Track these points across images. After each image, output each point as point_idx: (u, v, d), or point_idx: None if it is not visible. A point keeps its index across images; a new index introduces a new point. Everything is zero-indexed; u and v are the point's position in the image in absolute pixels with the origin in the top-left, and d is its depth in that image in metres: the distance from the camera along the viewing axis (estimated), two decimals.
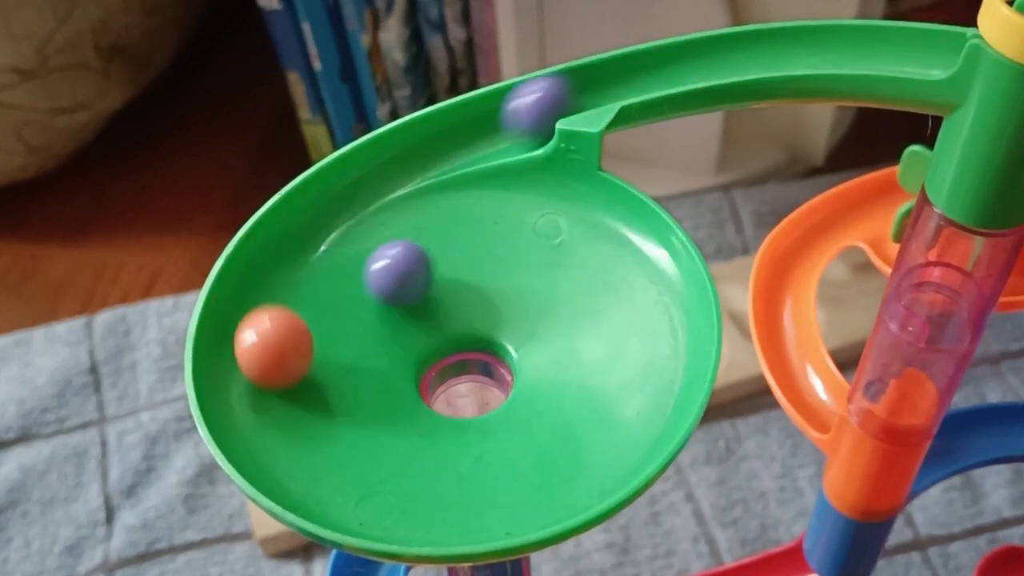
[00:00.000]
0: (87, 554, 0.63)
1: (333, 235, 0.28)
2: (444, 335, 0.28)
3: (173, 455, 0.67)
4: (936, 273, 0.30)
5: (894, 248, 0.38)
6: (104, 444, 0.68)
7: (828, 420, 0.39)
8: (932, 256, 0.30)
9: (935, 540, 0.62)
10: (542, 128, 0.28)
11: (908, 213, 0.35)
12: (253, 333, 0.25)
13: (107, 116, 0.85)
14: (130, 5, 0.80)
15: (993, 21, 0.24)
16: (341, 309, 0.27)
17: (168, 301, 0.76)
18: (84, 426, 0.69)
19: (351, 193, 0.29)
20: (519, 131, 0.29)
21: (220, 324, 0.26)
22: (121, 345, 0.73)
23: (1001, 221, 0.28)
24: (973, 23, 0.26)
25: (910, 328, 0.32)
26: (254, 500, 0.23)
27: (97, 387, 0.71)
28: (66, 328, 0.74)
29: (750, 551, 0.61)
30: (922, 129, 0.30)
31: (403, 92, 0.81)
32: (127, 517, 0.65)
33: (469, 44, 0.80)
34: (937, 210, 0.28)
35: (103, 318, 0.75)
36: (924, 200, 0.29)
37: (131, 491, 0.66)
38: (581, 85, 0.29)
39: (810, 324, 0.40)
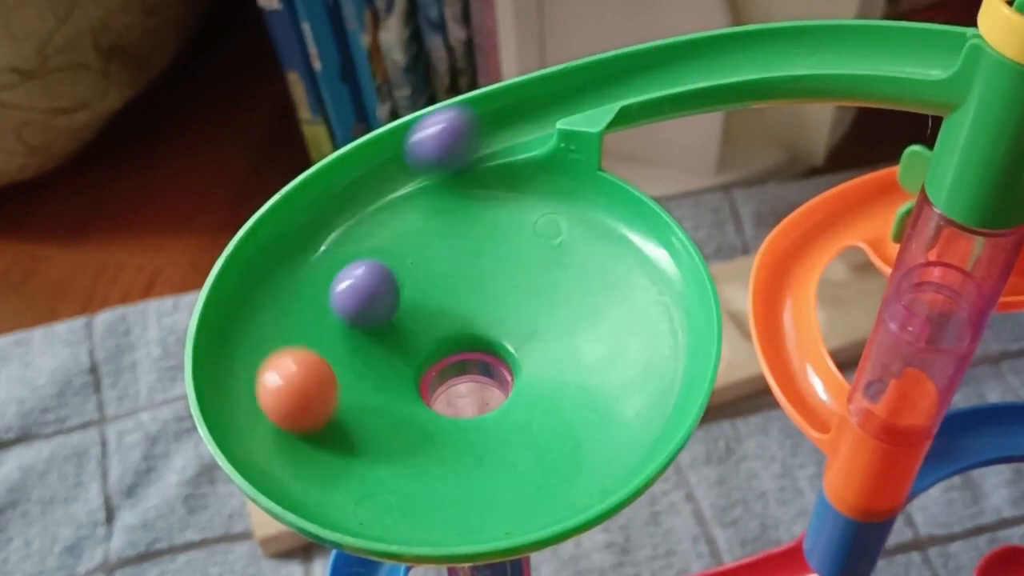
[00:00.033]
0: (87, 554, 0.63)
1: (333, 235, 0.28)
2: (444, 335, 0.28)
3: (173, 455, 0.67)
4: (936, 273, 0.30)
5: (894, 248, 0.38)
6: (104, 444, 0.68)
7: (828, 420, 0.39)
8: (932, 256, 0.30)
9: (935, 540, 0.62)
10: (446, 160, 0.28)
11: (908, 213, 0.35)
12: (278, 377, 0.24)
13: (107, 116, 0.85)
14: (130, 5, 0.80)
15: (993, 21, 0.24)
16: None
17: (168, 301, 0.76)
18: (84, 426, 0.69)
19: (351, 193, 0.29)
20: (422, 164, 0.28)
21: (220, 324, 0.26)
22: (121, 345, 0.73)
23: (1001, 221, 0.28)
24: (973, 23, 0.26)
25: (910, 328, 0.32)
26: (254, 500, 0.23)
27: (97, 387, 0.71)
28: (66, 328, 0.74)
29: (750, 551, 0.61)
30: (922, 129, 0.30)
31: (403, 92, 0.81)
32: (127, 517, 0.65)
33: (469, 44, 0.80)
34: (937, 210, 0.28)
35: (103, 318, 0.75)
36: (924, 200, 0.29)
37: (131, 491, 0.66)
38: (581, 85, 0.29)
39: (810, 324, 0.40)
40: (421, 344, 0.27)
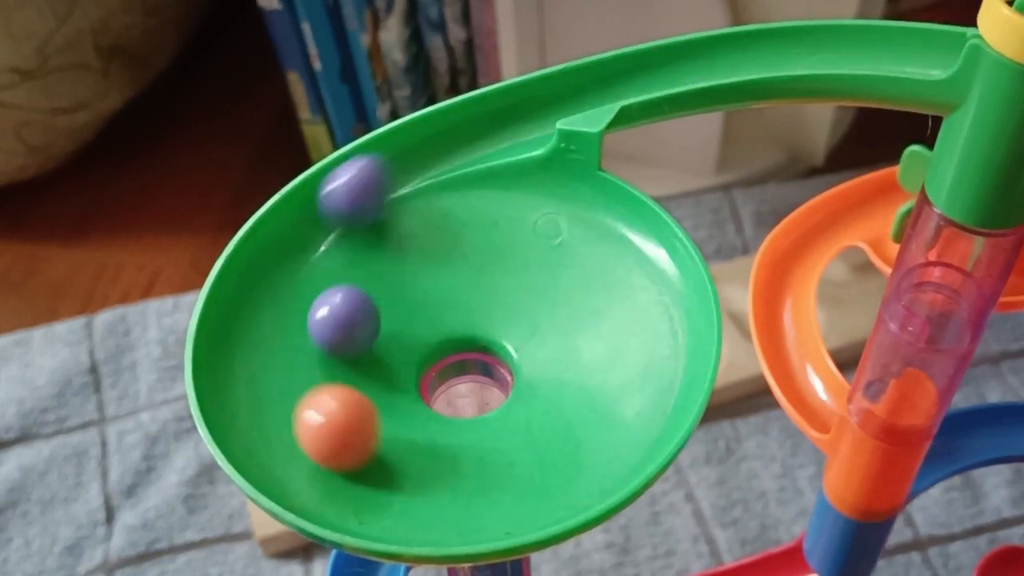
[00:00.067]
0: (87, 554, 0.63)
1: (333, 235, 0.28)
2: (444, 335, 0.28)
3: (173, 455, 0.67)
4: (936, 273, 0.30)
5: (894, 248, 0.38)
6: (104, 444, 0.68)
7: (828, 420, 0.39)
8: (932, 256, 0.30)
9: (935, 540, 0.62)
10: (357, 211, 0.28)
11: (908, 213, 0.35)
12: (319, 416, 0.24)
13: (107, 116, 0.85)
14: (130, 5, 0.80)
15: (993, 21, 0.24)
16: None
17: (168, 301, 0.76)
18: (84, 426, 0.69)
19: None
20: (335, 215, 0.28)
21: (220, 324, 0.26)
22: (121, 345, 0.73)
23: (1001, 221, 0.28)
24: (973, 23, 0.26)
25: (910, 328, 0.32)
26: (254, 500, 0.23)
27: (97, 387, 0.71)
28: (66, 328, 0.74)
29: (750, 551, 0.61)
30: (922, 129, 0.30)
31: (403, 92, 0.81)
32: (127, 517, 0.65)
33: (469, 44, 0.80)
34: (937, 210, 0.28)
35: (103, 318, 0.75)
36: (924, 200, 0.29)
37: (131, 491, 0.66)
38: (581, 85, 0.29)
39: (810, 324, 0.40)
40: (421, 344, 0.27)
